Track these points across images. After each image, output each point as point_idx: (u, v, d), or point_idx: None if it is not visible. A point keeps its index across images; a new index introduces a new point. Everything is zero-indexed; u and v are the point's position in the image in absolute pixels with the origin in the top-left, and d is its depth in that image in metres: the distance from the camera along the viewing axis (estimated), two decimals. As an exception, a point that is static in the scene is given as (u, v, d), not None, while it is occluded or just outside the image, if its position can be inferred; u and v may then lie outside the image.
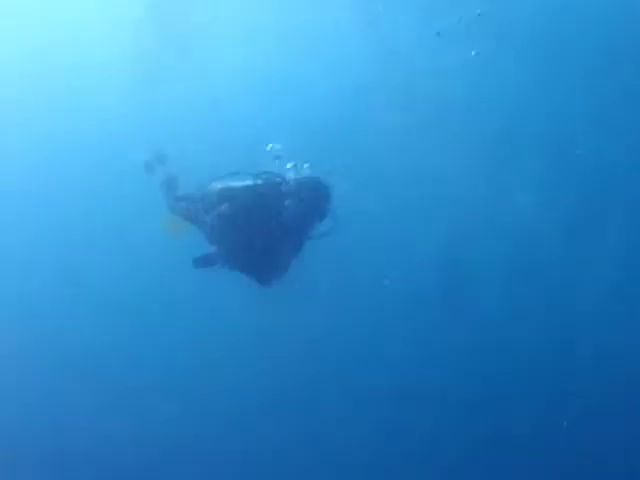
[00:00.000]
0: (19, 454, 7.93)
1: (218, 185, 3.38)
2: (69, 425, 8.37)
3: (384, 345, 9.49)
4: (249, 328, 9.07)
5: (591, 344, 9.02)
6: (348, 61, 8.68)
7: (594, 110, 10.07)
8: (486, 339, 9.24)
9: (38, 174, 9.39)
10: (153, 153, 3.49)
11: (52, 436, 8.30)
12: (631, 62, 9.38)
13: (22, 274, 9.22)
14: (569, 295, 9.45)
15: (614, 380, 8.42)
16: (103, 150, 8.94)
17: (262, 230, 3.19)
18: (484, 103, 10.26)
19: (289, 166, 3.43)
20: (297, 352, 9.22)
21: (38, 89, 8.98)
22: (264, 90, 8.81)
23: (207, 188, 3.43)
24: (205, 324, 9.20)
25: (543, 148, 10.21)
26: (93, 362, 8.86)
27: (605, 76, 9.68)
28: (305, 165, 3.43)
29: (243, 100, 8.60)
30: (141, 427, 8.42)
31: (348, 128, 8.69)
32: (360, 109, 8.79)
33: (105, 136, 8.82)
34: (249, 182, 3.30)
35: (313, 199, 3.26)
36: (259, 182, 3.27)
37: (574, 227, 9.67)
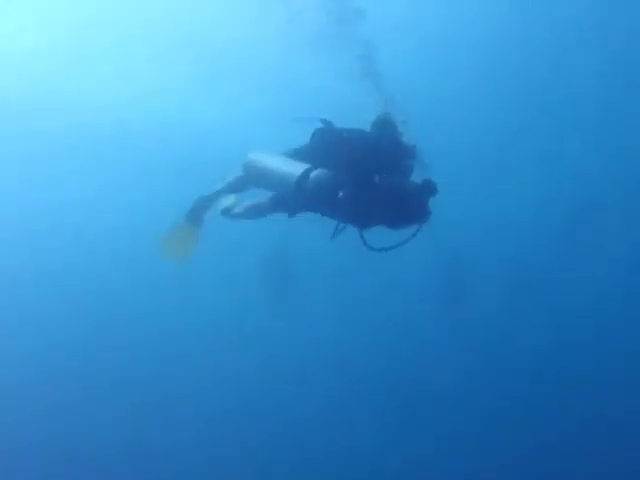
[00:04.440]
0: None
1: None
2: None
3: (386, 343, 9.48)
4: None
5: (591, 343, 9.03)
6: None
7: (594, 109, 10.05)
8: (487, 339, 9.24)
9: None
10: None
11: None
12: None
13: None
14: (569, 294, 9.45)
15: (614, 379, 8.42)
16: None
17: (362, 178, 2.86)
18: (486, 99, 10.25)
19: None
20: (299, 353, 9.23)
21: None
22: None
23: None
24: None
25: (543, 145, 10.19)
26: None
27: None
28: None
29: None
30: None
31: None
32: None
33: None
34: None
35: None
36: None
37: (573, 225, 9.67)
